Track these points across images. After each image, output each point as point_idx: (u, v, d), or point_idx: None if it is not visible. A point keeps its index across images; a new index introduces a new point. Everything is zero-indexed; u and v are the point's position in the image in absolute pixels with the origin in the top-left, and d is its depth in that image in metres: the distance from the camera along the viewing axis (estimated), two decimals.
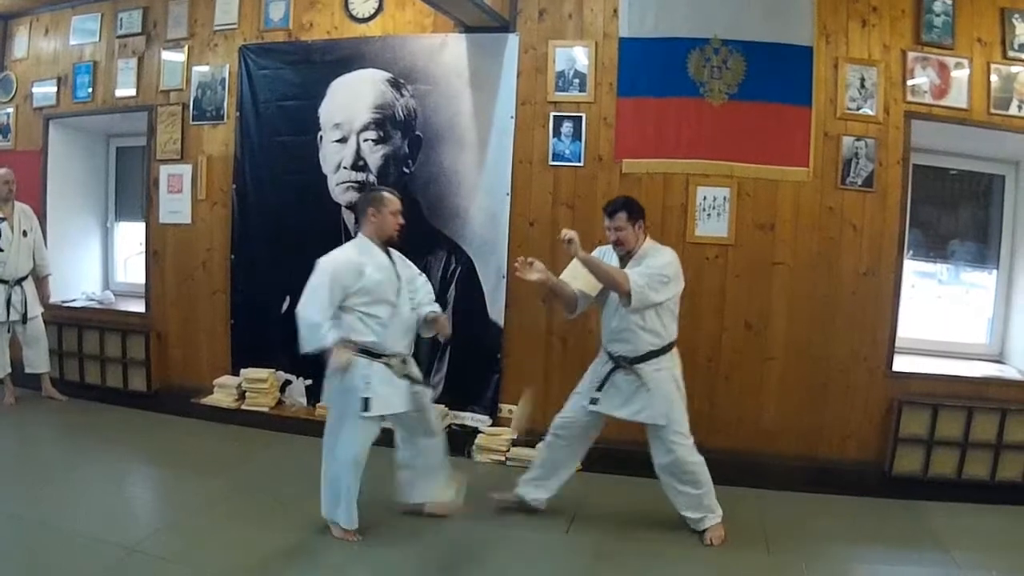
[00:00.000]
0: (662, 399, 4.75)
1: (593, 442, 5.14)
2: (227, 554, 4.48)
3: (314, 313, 4.46)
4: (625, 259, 4.79)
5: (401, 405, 4.69)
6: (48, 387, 7.54)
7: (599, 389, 4.88)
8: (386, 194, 4.79)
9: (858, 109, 5.73)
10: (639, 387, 4.76)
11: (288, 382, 6.94)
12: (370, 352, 4.58)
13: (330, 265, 4.56)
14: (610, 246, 4.85)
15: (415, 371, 4.85)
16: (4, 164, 7.43)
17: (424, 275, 5.02)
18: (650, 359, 4.76)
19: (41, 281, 7.56)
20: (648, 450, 4.94)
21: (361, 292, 4.55)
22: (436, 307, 4.91)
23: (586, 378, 5.05)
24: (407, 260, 4.92)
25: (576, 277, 4.85)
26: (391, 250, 4.80)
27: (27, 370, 7.44)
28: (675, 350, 4.89)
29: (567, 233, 4.52)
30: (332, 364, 4.46)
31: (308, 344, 4.46)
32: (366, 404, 4.53)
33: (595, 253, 4.81)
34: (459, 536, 4.82)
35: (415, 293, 4.84)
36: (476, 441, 6.19)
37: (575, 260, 4.71)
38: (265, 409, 6.86)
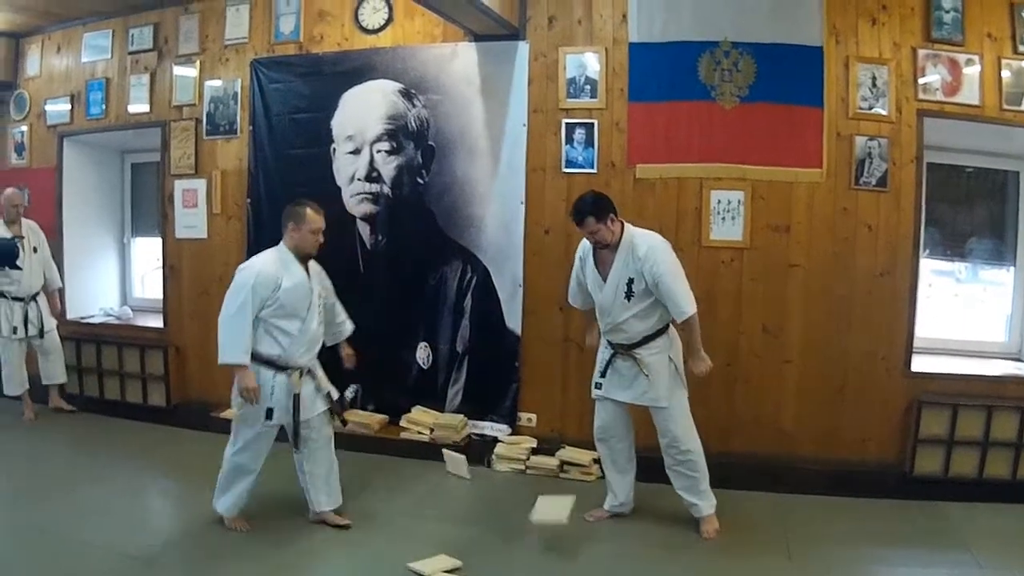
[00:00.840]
0: (662, 383, 4.86)
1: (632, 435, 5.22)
2: (244, 567, 4.52)
3: (235, 326, 4.62)
4: (605, 251, 4.89)
5: (305, 414, 4.85)
6: (55, 398, 7.66)
7: (603, 376, 5.03)
8: (309, 211, 4.85)
9: (870, 108, 5.71)
10: (638, 372, 4.89)
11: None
12: (274, 364, 4.72)
13: (250, 277, 4.66)
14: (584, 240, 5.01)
15: (319, 381, 5.02)
16: (21, 181, 7.51)
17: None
18: (646, 343, 4.89)
19: (51, 295, 7.62)
20: (660, 455, 5.03)
21: (275, 304, 4.67)
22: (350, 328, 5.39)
23: (595, 372, 5.19)
24: (324, 274, 5.12)
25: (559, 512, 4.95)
26: (311, 264, 4.94)
27: (44, 382, 7.56)
28: (671, 330, 4.98)
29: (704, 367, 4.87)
30: (238, 384, 4.67)
31: (225, 356, 4.63)
32: (269, 414, 4.70)
33: (579, 250, 5.14)
34: (478, 546, 4.82)
35: (332, 310, 5.14)
36: (495, 450, 6.19)
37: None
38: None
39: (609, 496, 5.25)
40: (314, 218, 4.82)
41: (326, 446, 5.04)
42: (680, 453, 4.91)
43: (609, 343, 5.02)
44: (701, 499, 4.96)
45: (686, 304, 4.71)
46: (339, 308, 5.26)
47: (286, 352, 4.71)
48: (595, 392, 5.09)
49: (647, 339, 4.87)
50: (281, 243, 4.85)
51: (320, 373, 5.02)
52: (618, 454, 5.17)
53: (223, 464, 4.93)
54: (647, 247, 4.78)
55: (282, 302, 4.66)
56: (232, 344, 4.61)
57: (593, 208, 4.77)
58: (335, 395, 5.12)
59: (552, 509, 4.95)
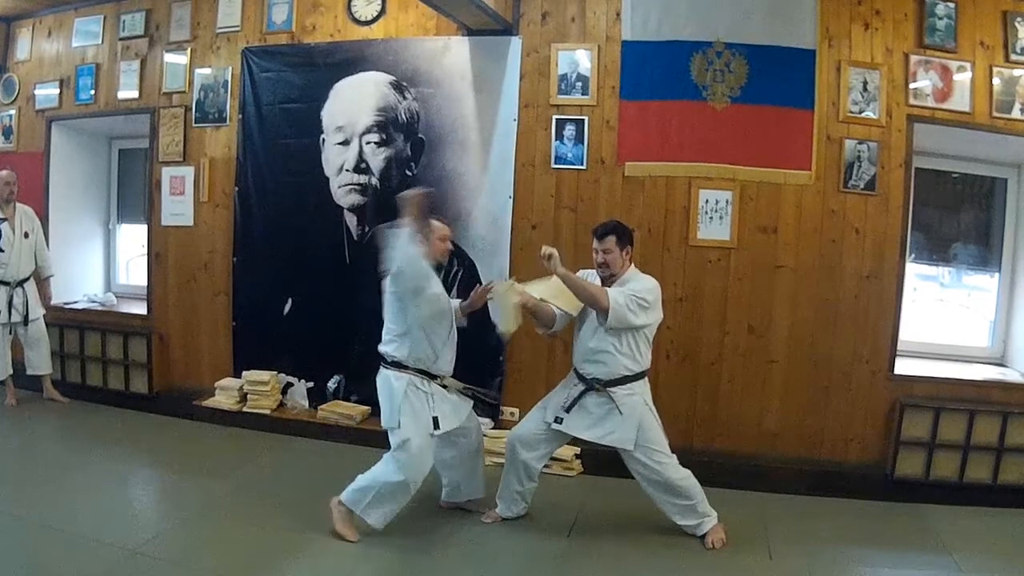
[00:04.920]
0: (633, 423, 4.70)
1: (548, 460, 5.21)
2: (228, 557, 4.49)
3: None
4: (608, 281, 4.77)
5: (458, 420, 4.85)
6: (49, 389, 7.54)
7: (567, 410, 4.83)
8: (434, 221, 4.84)
9: (860, 112, 5.73)
10: (610, 410, 4.73)
11: (290, 384, 6.94)
12: (426, 373, 4.71)
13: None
14: (594, 271, 4.86)
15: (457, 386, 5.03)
16: (6, 166, 7.44)
17: None
18: (624, 384, 4.73)
19: (43, 283, 7.56)
20: None
21: (433, 300, 4.66)
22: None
23: (552, 395, 5.02)
24: None
25: (557, 296, 4.81)
26: None
27: (29, 372, 7.45)
28: (647, 379, 4.86)
29: (547, 250, 4.57)
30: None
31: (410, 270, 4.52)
32: (436, 423, 4.67)
33: (578, 275, 4.80)
34: (461, 540, 4.82)
35: None
36: None
37: (555, 277, 4.69)
38: (267, 411, 6.85)
39: (502, 505, 5.14)
40: (441, 226, 4.85)
41: (478, 445, 5.16)
42: (675, 489, 4.77)
43: (582, 377, 4.84)
44: (702, 518, 4.85)
45: (623, 307, 4.54)
46: None
47: (437, 355, 4.73)
48: (554, 425, 4.85)
49: (626, 379, 4.72)
50: None
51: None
52: (524, 470, 5.01)
53: (381, 475, 4.66)
54: (640, 278, 4.75)
55: (435, 298, 4.68)
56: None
57: (618, 229, 4.76)
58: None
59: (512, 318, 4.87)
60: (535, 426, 4.96)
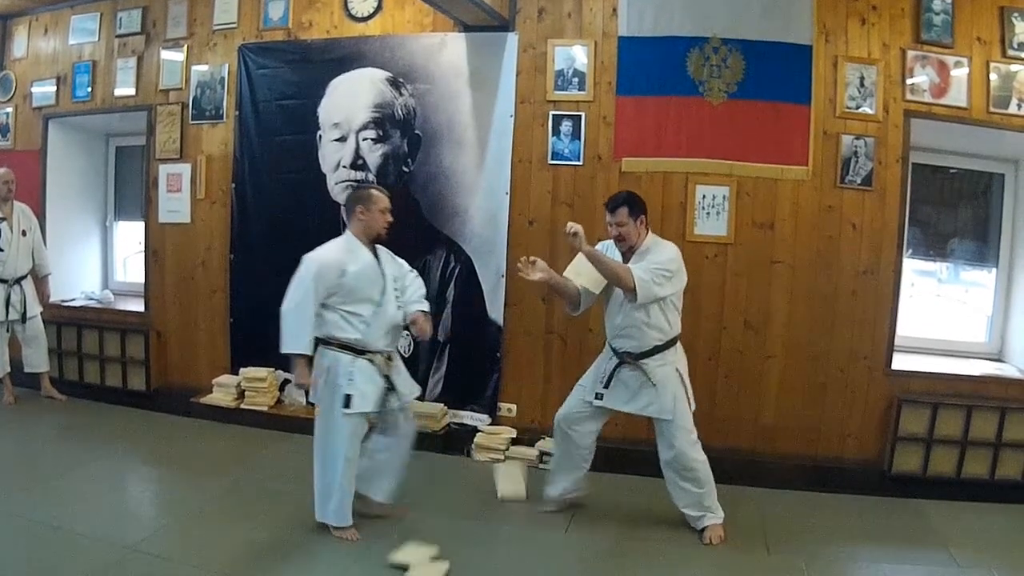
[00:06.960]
0: (668, 394, 4.74)
1: (599, 434, 5.15)
2: (226, 553, 4.48)
3: (297, 317, 4.55)
4: (628, 254, 4.78)
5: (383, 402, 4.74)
6: (47, 386, 7.54)
7: (605, 386, 4.88)
8: (375, 192, 4.81)
9: (857, 108, 5.72)
10: (644, 382, 4.76)
11: (287, 381, 6.92)
12: (353, 348, 4.61)
13: (313, 264, 4.59)
14: (612, 241, 4.85)
15: (400, 369, 4.90)
16: (3, 164, 7.43)
17: (415, 272, 5.03)
18: (655, 354, 4.76)
19: (40, 281, 7.56)
20: (648, 449, 5.01)
21: (342, 291, 4.58)
22: (424, 305, 4.89)
23: (590, 372, 5.06)
24: (397, 258, 4.94)
25: (580, 273, 4.85)
26: (378, 248, 4.82)
27: (26, 369, 7.45)
28: (679, 344, 4.90)
29: (572, 226, 4.53)
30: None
31: (287, 346, 4.56)
32: (347, 401, 4.57)
33: (598, 248, 4.80)
34: (458, 535, 4.81)
35: (404, 291, 4.86)
36: (475, 440, 6.18)
37: (579, 255, 4.70)
38: (264, 408, 6.85)
39: (550, 486, 5.20)
40: (381, 198, 4.77)
41: (407, 438, 4.99)
42: (685, 469, 4.79)
43: (615, 352, 4.89)
44: (707, 511, 4.87)
45: (649, 283, 4.53)
46: (411, 290, 4.91)
47: (363, 336, 4.61)
48: (595, 402, 4.91)
49: (656, 349, 4.77)
50: (347, 231, 4.77)
51: (400, 365, 4.93)
52: (576, 448, 5.07)
53: (316, 469, 4.73)
54: (659, 247, 4.76)
55: (350, 287, 4.58)
56: (294, 334, 4.52)
57: (629, 200, 4.74)
58: (418, 391, 5.11)
59: (512, 486, 5.16)
60: (577, 404, 5.03)
